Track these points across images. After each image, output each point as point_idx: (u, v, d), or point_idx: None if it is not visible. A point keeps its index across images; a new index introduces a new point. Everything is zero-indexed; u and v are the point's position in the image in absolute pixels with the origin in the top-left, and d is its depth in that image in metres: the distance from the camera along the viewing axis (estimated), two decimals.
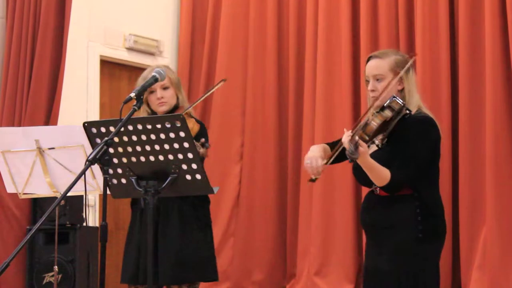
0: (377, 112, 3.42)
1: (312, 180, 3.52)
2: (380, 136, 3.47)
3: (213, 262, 4.23)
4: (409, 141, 3.43)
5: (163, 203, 4.08)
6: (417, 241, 3.41)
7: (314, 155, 3.53)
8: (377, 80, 3.50)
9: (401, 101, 3.43)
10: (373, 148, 3.51)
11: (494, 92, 5.96)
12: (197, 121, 4.28)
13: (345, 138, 3.31)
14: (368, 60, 3.59)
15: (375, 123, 3.37)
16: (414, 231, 3.42)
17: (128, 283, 4.22)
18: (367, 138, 3.36)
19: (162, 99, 4.17)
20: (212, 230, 4.31)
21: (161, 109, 4.17)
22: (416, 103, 3.52)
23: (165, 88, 4.17)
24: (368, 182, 3.54)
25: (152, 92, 4.17)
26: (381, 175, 3.37)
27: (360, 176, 3.52)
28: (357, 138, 3.28)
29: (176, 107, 4.21)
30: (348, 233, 6.66)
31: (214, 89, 4.46)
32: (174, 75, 4.26)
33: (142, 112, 4.21)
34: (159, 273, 4.05)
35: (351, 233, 6.64)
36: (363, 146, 3.28)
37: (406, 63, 3.52)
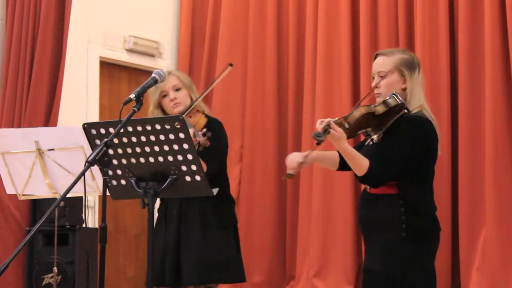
0: (366, 105, 3.46)
1: (288, 176, 3.53)
2: (377, 132, 3.50)
3: (236, 262, 4.22)
4: (396, 138, 3.45)
5: (185, 204, 4.10)
6: (401, 241, 3.42)
7: (298, 153, 3.62)
8: (381, 77, 3.53)
9: (400, 99, 3.45)
10: (370, 143, 3.54)
11: (494, 93, 5.97)
12: (210, 118, 4.27)
13: (323, 121, 3.35)
14: (375, 58, 3.62)
15: (357, 113, 3.40)
16: (398, 231, 3.43)
17: (153, 284, 4.20)
18: (346, 126, 3.37)
19: (176, 100, 4.18)
20: (236, 229, 4.30)
21: (176, 110, 4.17)
22: (418, 103, 3.54)
23: (177, 89, 4.19)
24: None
25: (164, 96, 4.18)
26: (359, 163, 3.39)
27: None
28: (330, 121, 3.31)
29: (191, 106, 4.21)
30: (347, 234, 6.66)
31: (222, 76, 4.41)
32: (185, 77, 4.29)
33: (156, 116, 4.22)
34: (182, 275, 4.06)
35: (350, 235, 6.64)
36: (337, 130, 3.31)
37: (412, 63, 3.55)
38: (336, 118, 3.36)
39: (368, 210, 3.55)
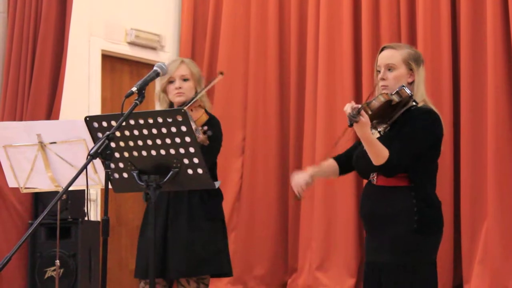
0: (385, 93, 3.49)
1: (297, 198, 3.61)
2: (384, 124, 3.52)
3: (224, 256, 4.21)
4: (413, 128, 3.48)
5: (172, 198, 4.09)
6: (412, 233, 3.44)
7: (302, 173, 3.64)
8: (389, 70, 3.56)
9: (409, 91, 3.50)
10: (376, 135, 3.55)
11: (496, 86, 5.97)
12: (209, 114, 4.24)
13: (348, 105, 3.37)
14: (381, 51, 3.64)
15: (378, 101, 3.44)
16: (409, 222, 3.44)
17: (141, 278, 4.21)
18: (369, 112, 3.40)
19: (180, 90, 4.15)
20: (224, 223, 4.29)
21: (178, 100, 4.16)
22: (422, 97, 3.58)
23: (184, 79, 4.17)
24: (366, 173, 3.57)
25: (171, 82, 4.17)
26: (379, 151, 3.41)
27: (360, 166, 3.56)
28: (360, 106, 3.34)
29: (192, 100, 4.19)
30: (349, 227, 6.66)
31: (212, 84, 4.39)
32: (196, 69, 4.25)
33: (162, 102, 4.22)
34: (168, 267, 4.06)
35: (352, 227, 6.65)
36: (364, 117, 3.33)
37: (419, 58, 3.60)
38: (359, 105, 3.37)
39: (376, 203, 3.55)
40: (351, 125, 3.34)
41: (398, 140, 3.45)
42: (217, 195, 4.22)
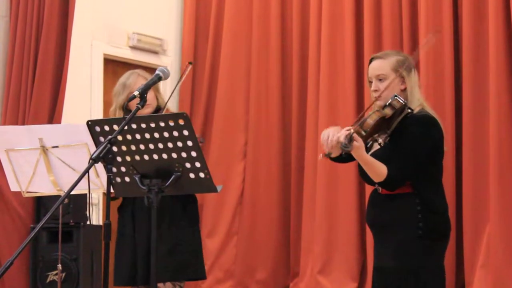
0: (377, 110, 3.47)
1: (327, 155, 3.43)
2: (383, 136, 3.50)
3: (201, 260, 4.23)
4: (408, 139, 3.46)
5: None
6: (417, 239, 3.43)
7: (334, 128, 3.47)
8: (380, 80, 3.54)
9: (402, 100, 3.47)
10: (377, 147, 3.54)
11: (498, 90, 5.97)
12: None
13: (342, 132, 3.35)
14: (370, 62, 3.63)
15: (371, 120, 3.41)
16: (414, 228, 3.44)
17: (125, 285, 4.21)
18: (363, 133, 3.39)
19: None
20: (200, 229, 4.33)
21: (146, 111, 4.16)
22: (418, 102, 3.56)
23: None
24: (371, 183, 3.56)
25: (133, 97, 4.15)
26: (377, 170, 3.41)
27: (365, 175, 3.54)
28: (352, 131, 3.33)
29: (158, 108, 4.21)
30: (351, 231, 6.66)
31: (184, 76, 4.38)
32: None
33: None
34: (151, 273, 4.07)
35: (354, 232, 6.64)
36: (357, 141, 3.33)
37: (408, 63, 3.56)
38: (352, 127, 3.35)
39: (381, 210, 3.55)
40: (345, 154, 3.34)
41: (396, 155, 3.44)
42: (195, 201, 4.25)
